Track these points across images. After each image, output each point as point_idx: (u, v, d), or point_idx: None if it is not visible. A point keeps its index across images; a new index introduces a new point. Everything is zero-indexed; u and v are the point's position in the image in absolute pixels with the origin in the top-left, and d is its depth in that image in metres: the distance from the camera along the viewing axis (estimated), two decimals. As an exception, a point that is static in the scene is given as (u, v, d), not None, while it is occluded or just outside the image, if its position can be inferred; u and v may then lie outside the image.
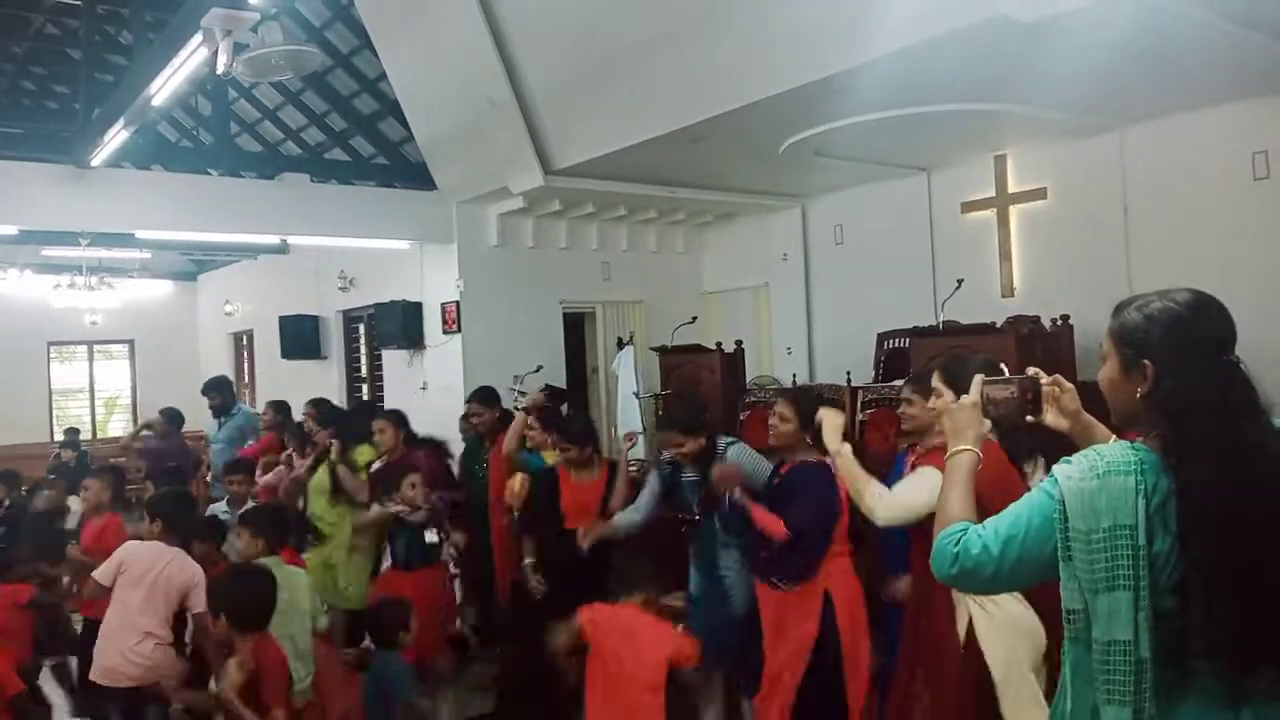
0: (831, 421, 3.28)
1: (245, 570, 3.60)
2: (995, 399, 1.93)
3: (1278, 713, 1.58)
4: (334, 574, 5.13)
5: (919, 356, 5.75)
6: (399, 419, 5.67)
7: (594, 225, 8.87)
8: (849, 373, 6.43)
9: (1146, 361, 1.65)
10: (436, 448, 5.84)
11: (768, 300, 9.19)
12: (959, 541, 1.71)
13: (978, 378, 1.95)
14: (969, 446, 1.88)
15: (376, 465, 5.46)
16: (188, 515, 4.34)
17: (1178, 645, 1.54)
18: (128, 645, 3.77)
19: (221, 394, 7.72)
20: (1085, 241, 6.69)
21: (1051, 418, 2.00)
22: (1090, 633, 1.60)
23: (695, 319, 8.03)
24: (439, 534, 4.81)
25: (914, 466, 3.17)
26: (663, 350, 7.67)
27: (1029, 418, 1.95)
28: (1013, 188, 7.19)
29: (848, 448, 3.21)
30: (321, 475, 5.30)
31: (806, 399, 3.83)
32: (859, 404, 6.06)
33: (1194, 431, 1.57)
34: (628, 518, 4.31)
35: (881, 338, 7.23)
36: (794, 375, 7.86)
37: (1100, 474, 1.59)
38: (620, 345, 8.30)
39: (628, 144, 6.48)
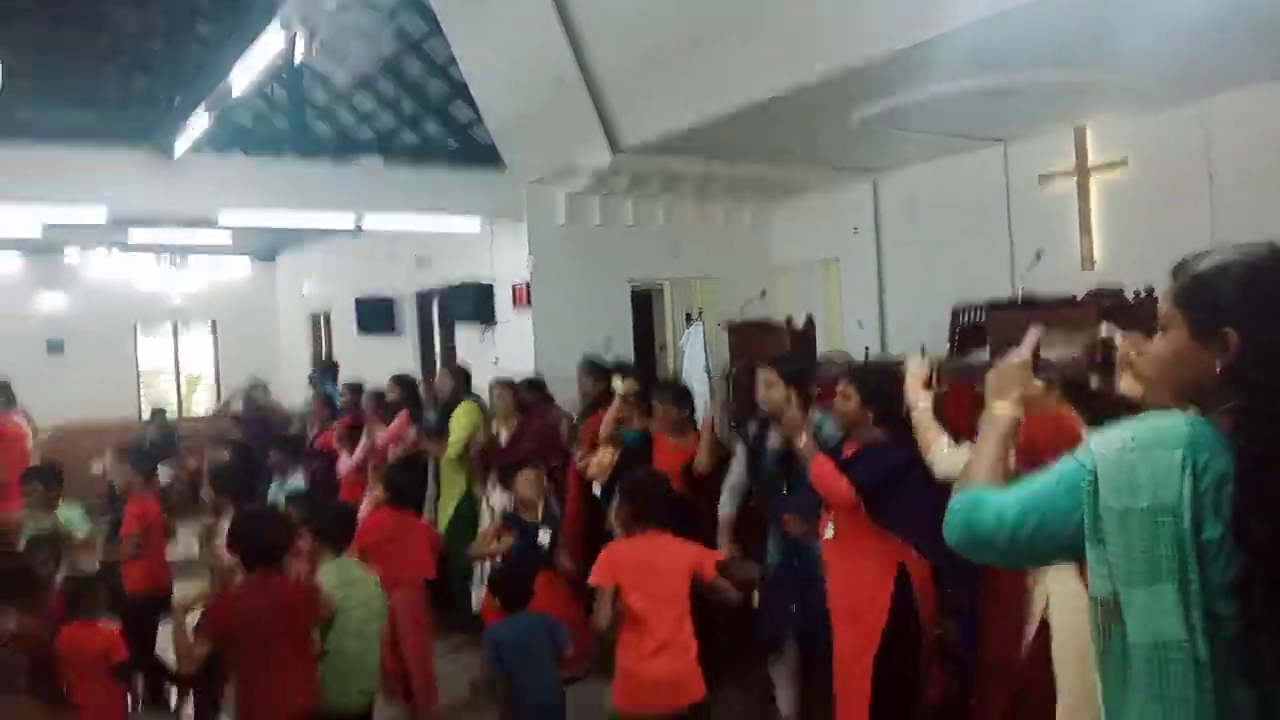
0: (915, 371, 3.09)
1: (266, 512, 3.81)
2: (1055, 360, 1.74)
3: None
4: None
5: (997, 330, 5.65)
6: (511, 384, 6.02)
7: (661, 202, 8.85)
8: (923, 345, 6.33)
9: (1229, 329, 1.39)
10: (544, 405, 6.08)
11: (838, 274, 9.09)
12: (973, 506, 1.53)
13: (1033, 331, 1.73)
14: (1008, 408, 1.67)
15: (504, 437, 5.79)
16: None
17: (1248, 662, 1.30)
18: None
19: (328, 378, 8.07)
20: (1168, 213, 6.47)
21: (1127, 384, 1.75)
22: (1123, 632, 1.38)
23: (764, 293, 7.98)
24: (552, 538, 4.48)
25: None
26: (731, 326, 7.64)
27: (1094, 382, 1.79)
28: (1093, 159, 6.99)
29: (928, 398, 3.05)
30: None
31: (868, 375, 3.78)
32: (935, 379, 5.97)
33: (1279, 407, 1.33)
34: (725, 508, 4.31)
35: (956, 311, 7.10)
36: (866, 349, 7.77)
37: (1144, 446, 1.38)
38: (688, 321, 8.29)
39: (696, 121, 6.45)
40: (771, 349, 6.97)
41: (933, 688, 3.66)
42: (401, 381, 6.83)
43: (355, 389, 7.42)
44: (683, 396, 4.79)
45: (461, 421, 5.89)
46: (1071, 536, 1.44)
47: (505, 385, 6.02)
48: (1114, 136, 6.84)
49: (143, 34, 9.92)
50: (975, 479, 1.58)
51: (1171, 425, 1.39)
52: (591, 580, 3.50)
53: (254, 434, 7.79)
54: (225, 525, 4.21)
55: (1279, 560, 1.27)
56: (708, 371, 7.94)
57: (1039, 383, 1.71)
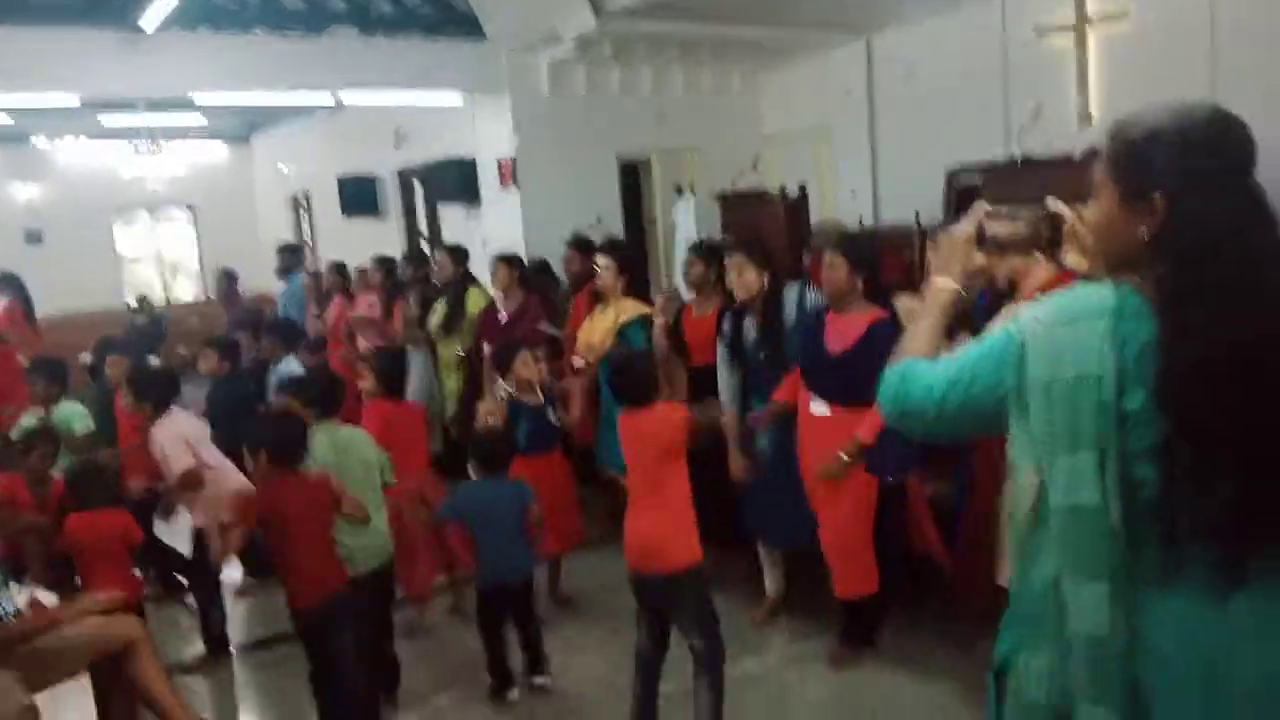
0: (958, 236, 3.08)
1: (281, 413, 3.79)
2: (1000, 236, 1.68)
3: (1276, 598, 1.34)
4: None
5: (992, 193, 5.58)
6: (513, 260, 5.96)
7: (647, 70, 8.59)
8: (917, 212, 6.29)
9: (1156, 194, 1.35)
10: (546, 281, 6.13)
11: (829, 141, 8.92)
12: (903, 378, 1.53)
13: (978, 205, 1.71)
14: (950, 282, 1.65)
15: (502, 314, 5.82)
16: None
17: (1160, 524, 1.33)
18: None
19: (291, 257, 7.96)
20: (1169, 66, 6.29)
21: (1073, 258, 1.76)
22: (1048, 501, 1.39)
23: (756, 163, 7.85)
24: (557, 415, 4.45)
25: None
26: (723, 197, 7.54)
27: (1039, 254, 1.75)
28: (1092, 10, 6.76)
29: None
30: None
31: (855, 243, 3.77)
32: (927, 244, 5.95)
33: (1207, 274, 1.30)
34: (728, 407, 4.27)
35: (950, 175, 7.01)
36: (860, 218, 7.70)
37: (1070, 317, 1.37)
38: (678, 194, 8.17)
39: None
40: (765, 220, 6.90)
41: (921, 543, 3.78)
42: (382, 262, 6.84)
43: (340, 268, 7.43)
44: (711, 252, 4.70)
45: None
46: (996, 408, 1.45)
47: (505, 262, 5.94)
48: (1116, -14, 6.61)
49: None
50: (910, 351, 1.58)
51: (1099, 295, 1.38)
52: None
53: (236, 324, 7.80)
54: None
55: (1199, 422, 1.28)
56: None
57: (981, 257, 1.67)
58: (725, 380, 4.23)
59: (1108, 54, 6.76)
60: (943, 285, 1.66)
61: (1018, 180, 5.39)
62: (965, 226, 1.69)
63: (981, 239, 1.68)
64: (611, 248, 5.29)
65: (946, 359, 1.52)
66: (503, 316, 5.88)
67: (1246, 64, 5.92)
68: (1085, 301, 1.38)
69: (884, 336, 3.39)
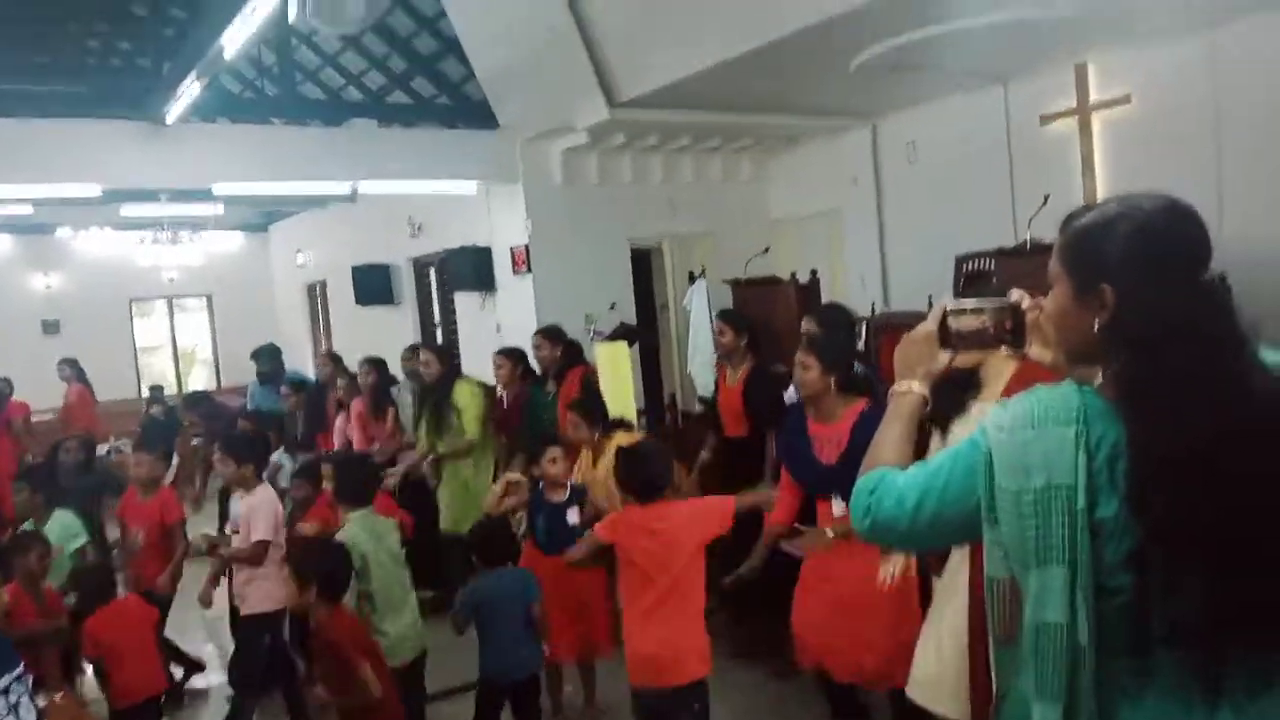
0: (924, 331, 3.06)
1: (333, 544, 3.65)
2: (963, 331, 1.61)
3: (1261, 711, 1.27)
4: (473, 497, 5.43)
5: (1005, 277, 5.59)
6: (516, 355, 5.94)
7: (658, 157, 8.75)
8: (930, 297, 6.29)
9: (1105, 285, 1.34)
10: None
11: (840, 226, 9.02)
12: (873, 490, 1.48)
13: (941, 302, 1.67)
14: (915, 386, 1.62)
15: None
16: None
17: (1135, 631, 1.28)
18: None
19: (271, 361, 7.88)
20: (1174, 148, 6.38)
21: (1036, 350, 1.67)
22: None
23: (768, 249, 7.92)
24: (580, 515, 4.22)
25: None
26: (735, 283, 7.57)
27: (1007, 350, 1.64)
28: (1095, 96, 6.88)
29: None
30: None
31: (826, 344, 3.70)
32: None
33: (1161, 367, 1.27)
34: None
35: (960, 260, 7.04)
36: (873, 304, 7.72)
37: (1036, 422, 1.32)
38: (691, 279, 8.23)
39: (694, 70, 6.33)
40: (777, 305, 6.92)
41: None
42: (373, 363, 6.63)
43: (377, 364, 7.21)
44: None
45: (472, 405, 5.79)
46: (970, 518, 1.42)
47: (507, 356, 5.95)
48: (1116, 72, 6.74)
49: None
50: (879, 460, 1.54)
51: (1063, 399, 1.34)
52: (595, 528, 3.47)
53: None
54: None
55: (1167, 525, 1.24)
56: (714, 330, 7.89)
57: (945, 356, 1.64)
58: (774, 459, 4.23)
59: (1112, 139, 6.86)
60: (906, 389, 1.63)
61: (1028, 265, 5.40)
62: (926, 325, 1.65)
63: (945, 336, 1.64)
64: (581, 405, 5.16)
65: (917, 467, 1.48)
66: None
67: (1251, 146, 5.99)
68: (1049, 406, 1.34)
69: (870, 424, 3.35)
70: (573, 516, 4.18)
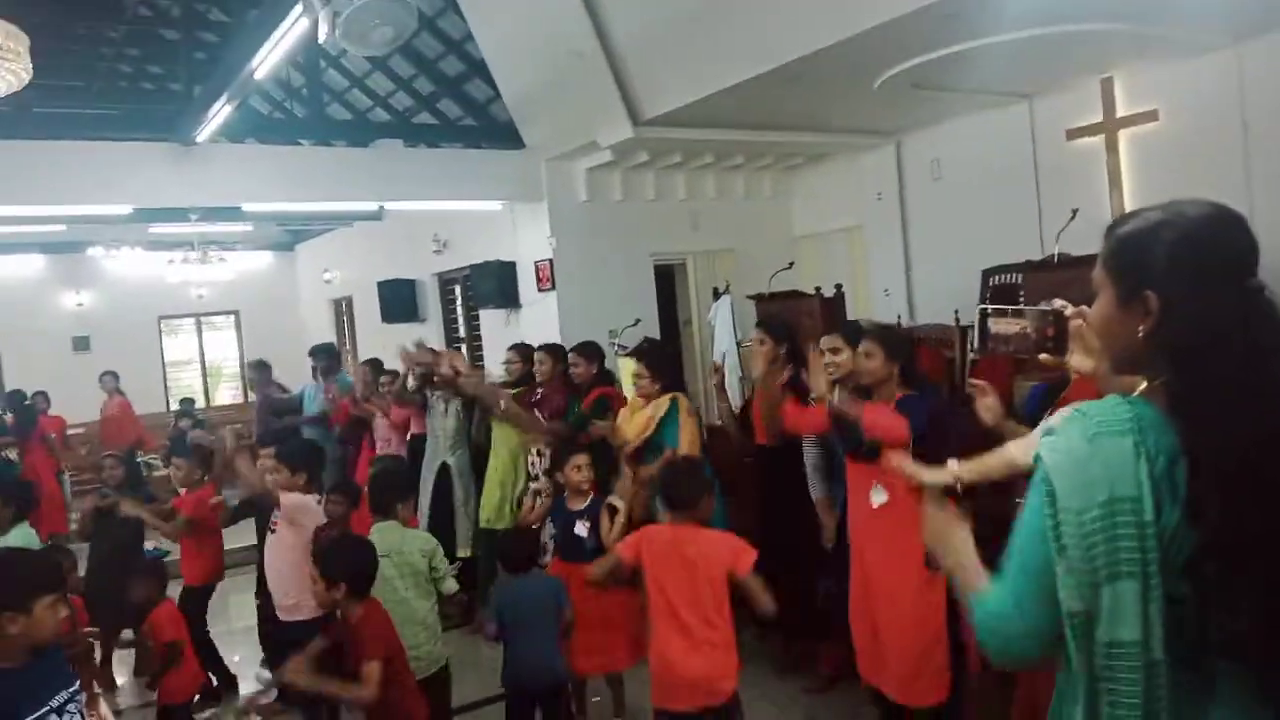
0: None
1: (356, 540, 3.66)
2: (1004, 335, 1.62)
3: None
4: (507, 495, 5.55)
5: (1033, 291, 5.57)
6: (557, 350, 5.91)
7: (681, 175, 8.79)
8: (956, 311, 6.28)
9: (1149, 292, 1.31)
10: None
11: (862, 242, 9.02)
12: (990, 613, 1.41)
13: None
14: (959, 558, 1.56)
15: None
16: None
17: (1196, 642, 1.25)
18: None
19: (328, 359, 7.95)
20: (1202, 164, 6.34)
21: (1078, 358, 1.67)
22: (1094, 639, 1.29)
23: (792, 264, 7.93)
24: (590, 529, 4.16)
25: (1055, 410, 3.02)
26: (760, 298, 7.59)
27: (1045, 355, 1.64)
28: (1121, 111, 6.86)
29: (955, 463, 2.89)
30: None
31: (889, 332, 3.77)
32: (970, 343, 5.92)
33: (1208, 375, 1.25)
34: (817, 491, 4.31)
35: (986, 274, 7.01)
36: (899, 316, 7.71)
37: (1091, 437, 1.29)
38: (716, 295, 8.25)
39: (718, 89, 6.36)
40: (802, 319, 6.92)
41: (974, 653, 3.55)
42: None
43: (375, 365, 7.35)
44: (781, 328, 4.71)
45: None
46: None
47: (549, 351, 5.92)
48: (1142, 88, 6.71)
49: (152, 23, 9.92)
50: (974, 589, 1.48)
51: (1113, 411, 1.31)
52: (617, 547, 3.48)
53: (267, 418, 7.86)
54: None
55: (1230, 540, 1.21)
56: (738, 344, 7.90)
57: (964, 527, 1.60)
58: (816, 464, 4.30)
59: (1140, 154, 6.82)
60: (953, 564, 1.57)
61: (1057, 279, 5.38)
62: (936, 515, 1.62)
63: (986, 341, 1.64)
64: (648, 355, 5.32)
65: (1007, 567, 1.41)
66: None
67: (1279, 159, 5.94)
68: (1102, 419, 1.31)
69: (909, 404, 3.45)
70: (580, 529, 4.15)
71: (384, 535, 3.81)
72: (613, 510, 4.17)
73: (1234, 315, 1.28)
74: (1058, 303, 1.66)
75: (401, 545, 3.84)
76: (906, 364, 3.65)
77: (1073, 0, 5.05)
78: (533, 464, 5.63)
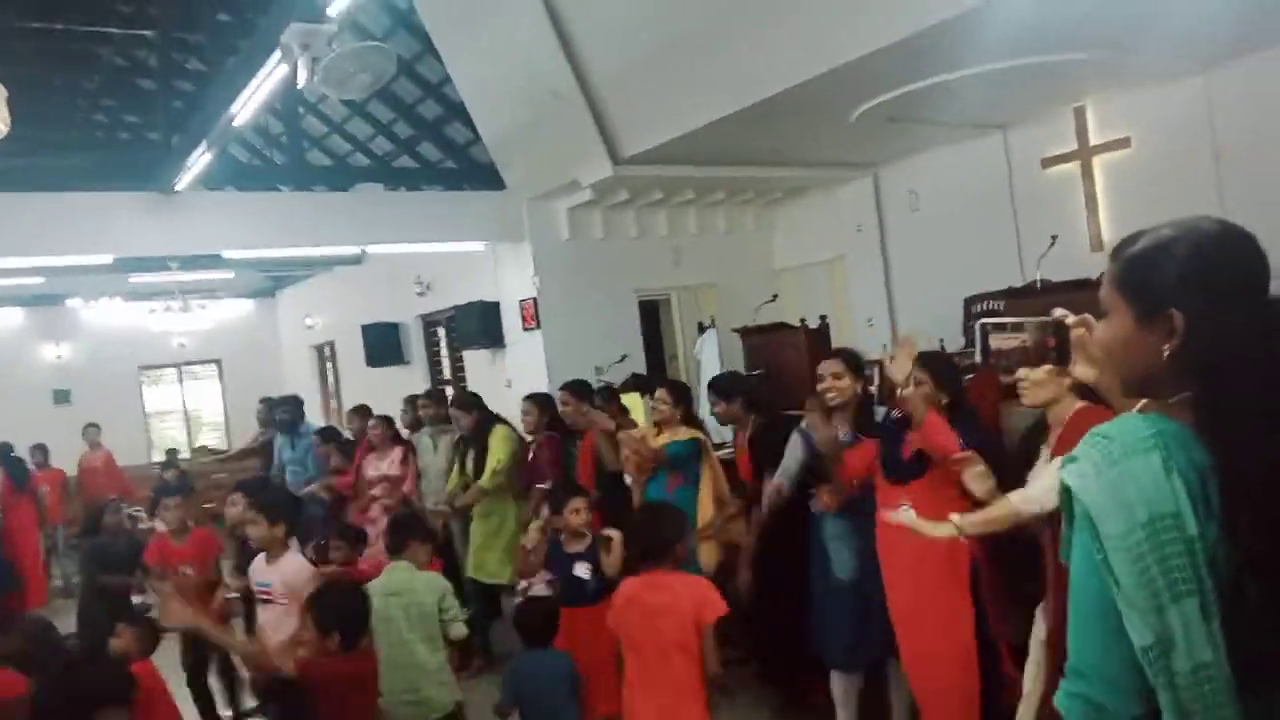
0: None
1: (350, 587, 3.57)
2: (1005, 350, 1.61)
3: None
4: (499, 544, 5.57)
5: (1015, 317, 5.60)
6: (543, 401, 5.82)
7: (662, 211, 8.84)
8: (941, 340, 6.30)
9: (1174, 311, 1.27)
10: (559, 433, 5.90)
11: (844, 273, 9.07)
12: (1076, 684, 1.30)
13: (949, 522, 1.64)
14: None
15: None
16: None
17: (1244, 664, 1.19)
18: None
19: (293, 410, 7.74)
20: (1175, 189, 6.42)
21: (1081, 369, 1.64)
22: (1173, 669, 1.19)
23: (775, 297, 7.96)
24: (591, 570, 4.04)
25: (1053, 456, 2.97)
26: (744, 331, 7.60)
27: (1048, 366, 1.67)
28: (1094, 139, 6.96)
29: (957, 517, 3.03)
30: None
31: (937, 359, 3.73)
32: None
33: (1235, 392, 1.22)
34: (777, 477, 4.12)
35: (968, 302, 7.06)
36: (884, 346, 7.73)
37: (1117, 459, 1.23)
38: (701, 329, 8.27)
39: (698, 125, 6.42)
40: (788, 350, 6.93)
41: (1007, 689, 3.46)
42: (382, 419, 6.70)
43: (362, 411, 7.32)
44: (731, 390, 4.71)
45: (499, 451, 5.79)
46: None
47: (535, 402, 5.88)
48: (1115, 116, 6.81)
49: (129, 74, 9.94)
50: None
51: (1133, 429, 1.26)
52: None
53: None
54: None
55: (1266, 558, 1.16)
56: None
57: None
58: (789, 472, 4.11)
59: (1114, 180, 6.92)
60: None
61: (1038, 304, 5.41)
62: (940, 531, 1.59)
63: (987, 355, 1.63)
64: (669, 383, 5.28)
65: (1073, 628, 1.33)
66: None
67: (1250, 183, 6.02)
68: (1123, 440, 1.25)
69: (960, 425, 3.39)
70: (581, 570, 4.06)
71: (393, 575, 3.74)
72: (608, 540, 4.10)
73: (1256, 331, 1.25)
74: (1058, 312, 1.64)
75: (411, 585, 3.75)
76: (958, 390, 3.64)
77: (1045, 31, 5.11)
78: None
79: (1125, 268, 1.35)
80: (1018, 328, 1.63)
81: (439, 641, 3.76)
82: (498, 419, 5.99)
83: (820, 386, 3.90)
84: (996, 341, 1.63)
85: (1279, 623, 1.16)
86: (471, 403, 6.07)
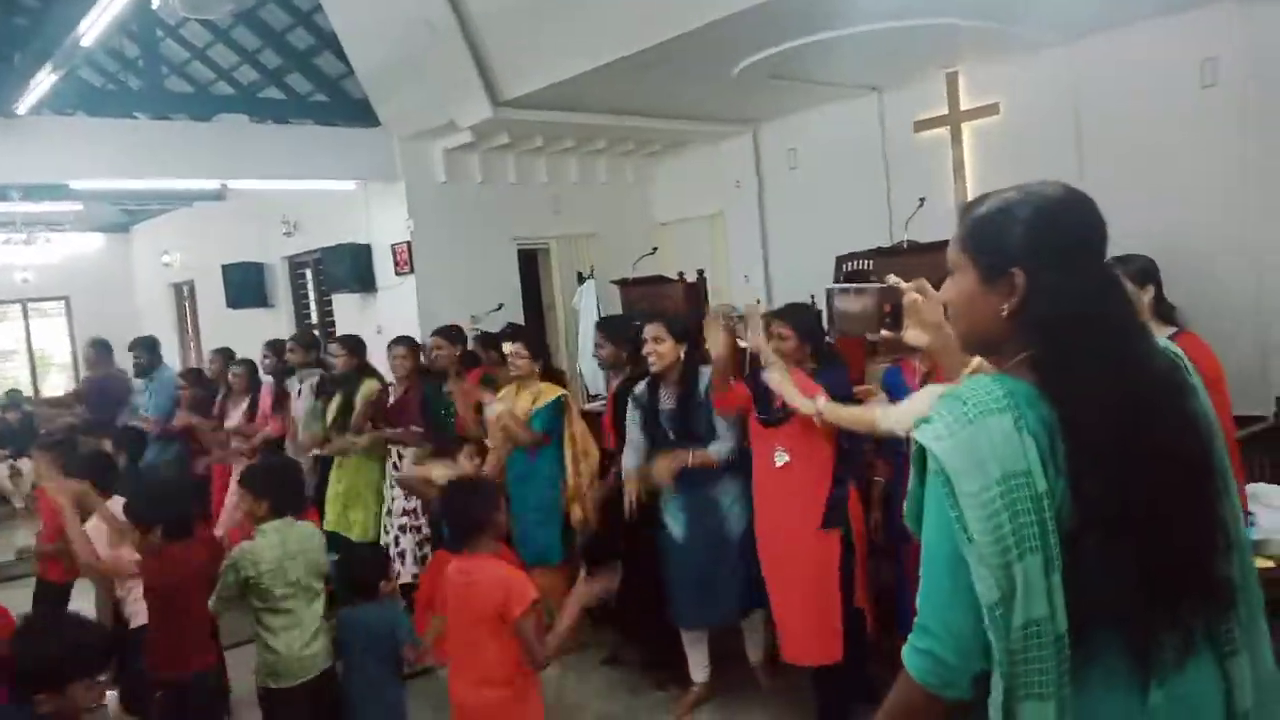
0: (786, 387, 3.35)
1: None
2: (850, 314, 1.67)
3: (1189, 685, 1.30)
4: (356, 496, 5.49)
5: (883, 276, 5.76)
6: (415, 346, 5.75)
7: (543, 158, 8.71)
8: (813, 296, 6.42)
9: (1015, 270, 1.33)
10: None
11: (723, 228, 9.15)
12: (918, 639, 1.35)
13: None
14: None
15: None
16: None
17: (1077, 612, 1.25)
18: None
19: (149, 353, 7.44)
20: (1039, 155, 6.67)
21: (912, 334, 1.70)
22: (1010, 624, 1.25)
23: (655, 250, 7.98)
24: None
25: (923, 382, 3.20)
26: (623, 282, 7.61)
27: (885, 333, 1.69)
28: (965, 105, 7.17)
29: (823, 400, 3.26)
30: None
31: (799, 312, 3.82)
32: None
33: (1077, 348, 1.29)
34: (629, 462, 4.18)
35: (840, 260, 7.23)
36: (758, 300, 7.84)
37: (972, 418, 1.27)
38: (580, 280, 8.22)
39: (581, 70, 6.30)
40: (664, 303, 6.97)
41: (860, 590, 3.72)
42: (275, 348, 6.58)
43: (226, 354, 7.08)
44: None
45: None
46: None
47: (404, 344, 5.76)
48: (985, 82, 7.03)
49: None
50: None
51: (985, 389, 1.30)
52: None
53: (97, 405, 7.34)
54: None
55: (1109, 509, 1.24)
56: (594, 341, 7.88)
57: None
58: (635, 443, 4.15)
59: (982, 145, 7.15)
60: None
61: (905, 264, 5.57)
62: (805, 406, 1.62)
63: (834, 321, 1.67)
64: (520, 333, 5.22)
65: (924, 579, 1.35)
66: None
67: (1110, 152, 6.32)
68: (976, 399, 1.29)
69: (823, 374, 3.55)
70: None
71: (290, 533, 3.46)
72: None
73: (1096, 291, 1.32)
74: (891, 279, 1.69)
75: (311, 540, 3.55)
76: (820, 340, 3.76)
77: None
78: (395, 465, 5.49)
79: (971, 229, 1.41)
80: (860, 292, 1.67)
81: (317, 598, 3.58)
82: (372, 371, 5.85)
83: (644, 350, 4.00)
84: (843, 305, 1.68)
85: (1116, 572, 1.24)
86: (355, 347, 5.91)
